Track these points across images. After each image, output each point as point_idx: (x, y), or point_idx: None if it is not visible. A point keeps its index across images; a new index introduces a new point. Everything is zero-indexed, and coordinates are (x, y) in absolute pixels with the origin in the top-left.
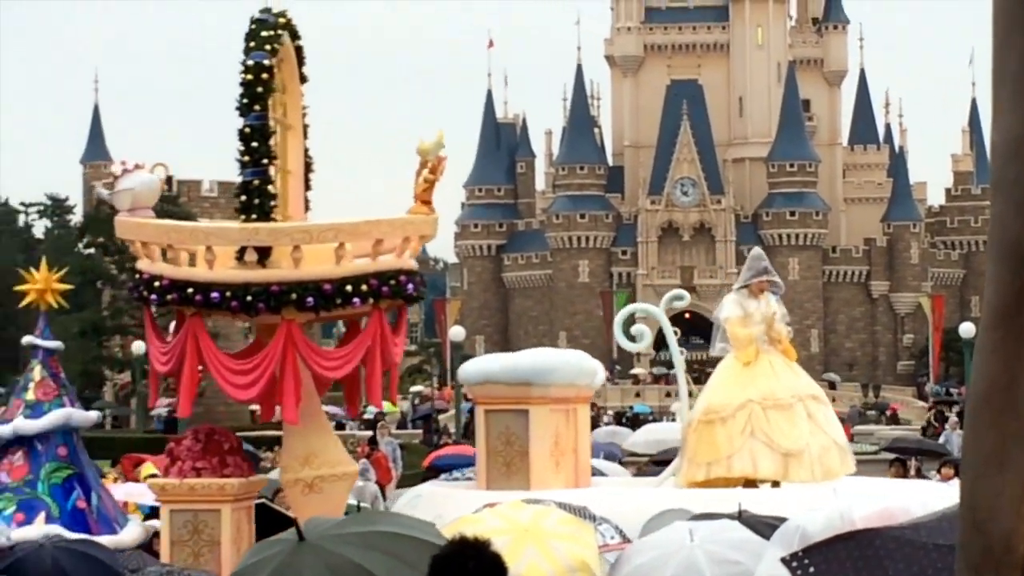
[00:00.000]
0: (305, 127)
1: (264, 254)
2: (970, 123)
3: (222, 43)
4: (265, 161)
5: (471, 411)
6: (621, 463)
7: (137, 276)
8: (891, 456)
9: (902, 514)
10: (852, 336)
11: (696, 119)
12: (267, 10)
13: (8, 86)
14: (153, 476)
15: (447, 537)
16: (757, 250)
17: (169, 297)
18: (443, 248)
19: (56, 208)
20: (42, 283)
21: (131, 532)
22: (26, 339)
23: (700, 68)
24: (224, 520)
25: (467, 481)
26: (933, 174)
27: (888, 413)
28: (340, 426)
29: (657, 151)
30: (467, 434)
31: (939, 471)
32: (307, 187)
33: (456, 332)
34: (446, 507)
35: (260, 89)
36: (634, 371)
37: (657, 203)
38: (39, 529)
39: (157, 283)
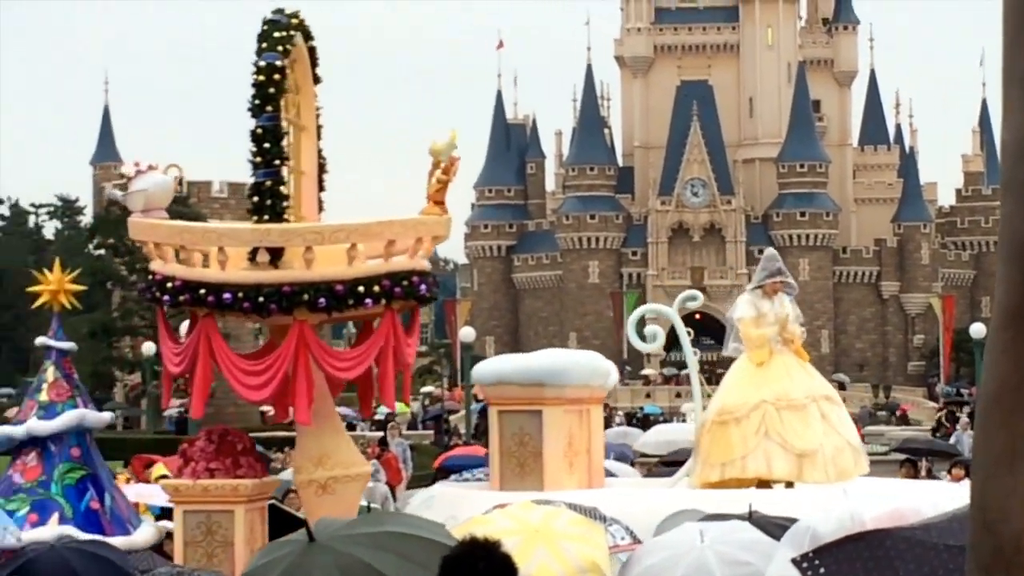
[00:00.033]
0: (319, 128)
1: (276, 255)
2: (980, 123)
3: (232, 44)
4: (277, 162)
5: (481, 412)
6: (633, 464)
7: (150, 277)
8: (902, 457)
9: (913, 515)
10: (862, 337)
11: (706, 120)
12: (280, 11)
13: (18, 87)
14: (164, 477)
15: (457, 538)
16: (771, 251)
17: (182, 298)
18: (453, 249)
19: (66, 209)
20: (55, 284)
21: (144, 533)
22: (39, 340)
23: (710, 69)
24: (237, 521)
25: (478, 481)
26: (943, 174)
27: (898, 414)
28: (351, 427)
29: (667, 152)
30: (477, 435)
31: (949, 472)
32: (321, 188)
33: (466, 333)
34: (460, 508)
35: (272, 90)
36: (644, 372)
37: (667, 204)
38: (53, 530)
39: (170, 284)
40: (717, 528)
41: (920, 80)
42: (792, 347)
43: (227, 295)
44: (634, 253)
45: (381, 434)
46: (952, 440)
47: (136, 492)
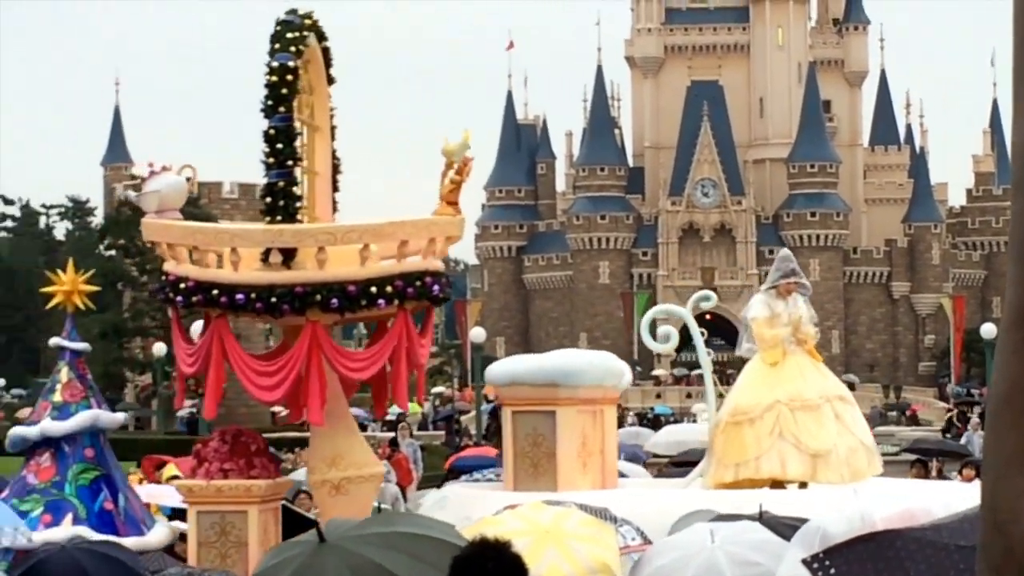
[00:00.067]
0: (333, 128)
1: (289, 256)
2: (991, 124)
3: (243, 44)
4: (290, 163)
5: (491, 412)
6: (645, 465)
7: (163, 277)
8: (912, 457)
9: (923, 515)
10: (873, 337)
11: (716, 120)
12: (293, 11)
13: (29, 87)
14: (175, 478)
15: (467, 538)
16: (785, 251)
17: (195, 299)
18: (463, 249)
19: (77, 210)
20: (69, 285)
21: (158, 533)
22: (53, 341)
23: (720, 69)
24: (251, 521)
25: (488, 482)
26: (954, 175)
27: (907, 414)
28: (362, 427)
29: (677, 152)
30: (488, 435)
31: (960, 472)
32: (335, 189)
33: (476, 333)
34: (473, 508)
35: (285, 90)
36: (655, 372)
37: (677, 204)
38: (67, 530)
39: (183, 284)
40: (727, 528)
41: (931, 80)
42: (805, 347)
43: (240, 296)
44: (644, 254)
45: (392, 435)
46: (963, 440)
47: (147, 492)
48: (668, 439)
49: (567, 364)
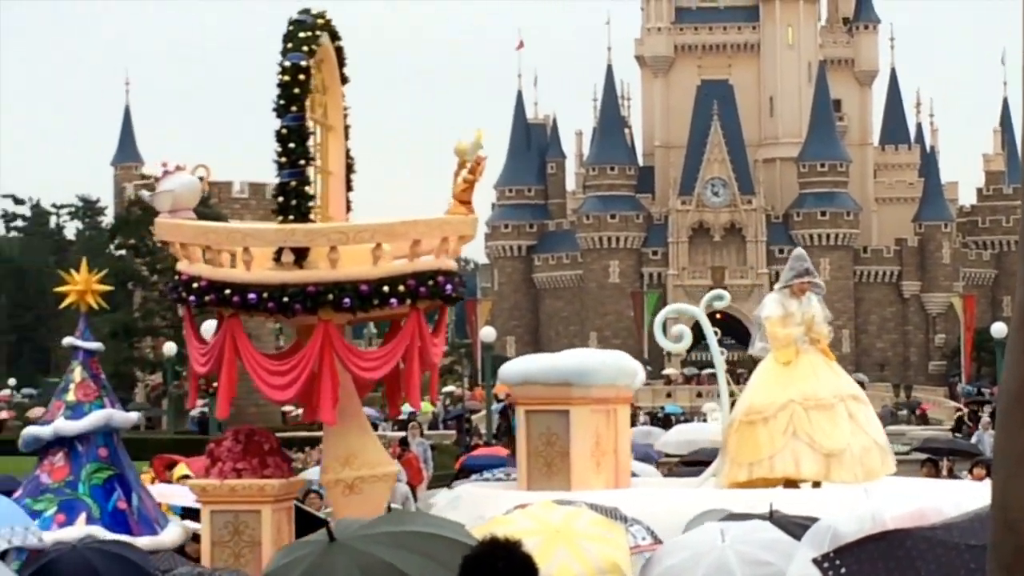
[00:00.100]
0: (346, 128)
1: (301, 255)
2: (1001, 123)
3: (253, 44)
4: (302, 162)
5: (501, 412)
6: (657, 464)
7: (176, 277)
8: (923, 456)
9: (934, 514)
10: (883, 336)
11: (727, 119)
12: (306, 11)
13: (39, 87)
14: (186, 477)
15: (478, 538)
16: (799, 251)
17: (207, 298)
18: (473, 249)
19: (87, 210)
20: (83, 284)
21: (171, 533)
22: (67, 340)
23: (731, 68)
24: (264, 521)
25: (497, 481)
26: (964, 174)
27: (917, 413)
28: (372, 427)
29: (687, 151)
30: (498, 435)
31: (971, 471)
32: (349, 188)
33: (487, 333)
34: (487, 508)
35: (297, 90)
36: (666, 371)
37: (688, 203)
38: (80, 530)
39: (195, 284)
40: (738, 528)
41: (941, 79)
42: (819, 347)
43: (252, 295)
44: (654, 253)
45: (402, 434)
46: (973, 439)
47: (158, 492)
48: (678, 438)
49: (581, 363)
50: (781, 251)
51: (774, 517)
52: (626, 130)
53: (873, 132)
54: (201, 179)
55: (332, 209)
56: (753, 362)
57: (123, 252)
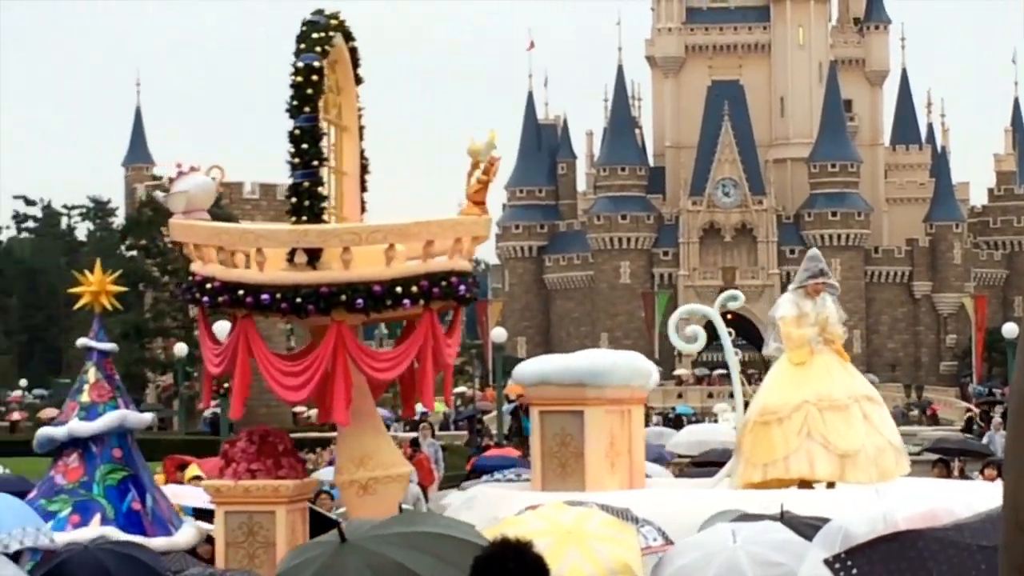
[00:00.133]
0: (361, 129)
1: (314, 256)
2: (1013, 123)
3: (266, 45)
4: (315, 163)
5: (512, 413)
6: (668, 465)
7: (190, 278)
8: (934, 457)
9: (946, 515)
10: (895, 337)
11: (737, 119)
12: (319, 12)
13: (50, 88)
14: (197, 478)
15: (489, 538)
16: (814, 251)
17: (220, 299)
18: (484, 250)
19: (98, 211)
20: (97, 285)
21: (186, 534)
22: (81, 341)
23: (741, 68)
24: (279, 521)
25: (508, 482)
26: (975, 174)
27: (928, 413)
28: None
29: (698, 152)
30: (509, 436)
31: (982, 472)
32: (363, 188)
33: (498, 333)
34: (501, 508)
35: (310, 91)
36: (677, 372)
37: (698, 204)
38: (95, 531)
39: (209, 285)
40: (749, 528)
41: (952, 79)
42: (833, 347)
43: (265, 296)
44: (665, 253)
45: (413, 435)
46: (984, 440)
47: (170, 493)
48: (689, 439)
49: (595, 364)
50: (792, 251)
51: (785, 518)
52: (637, 130)
53: (884, 132)
54: (216, 180)
55: (346, 210)
56: (764, 362)
57: (134, 253)
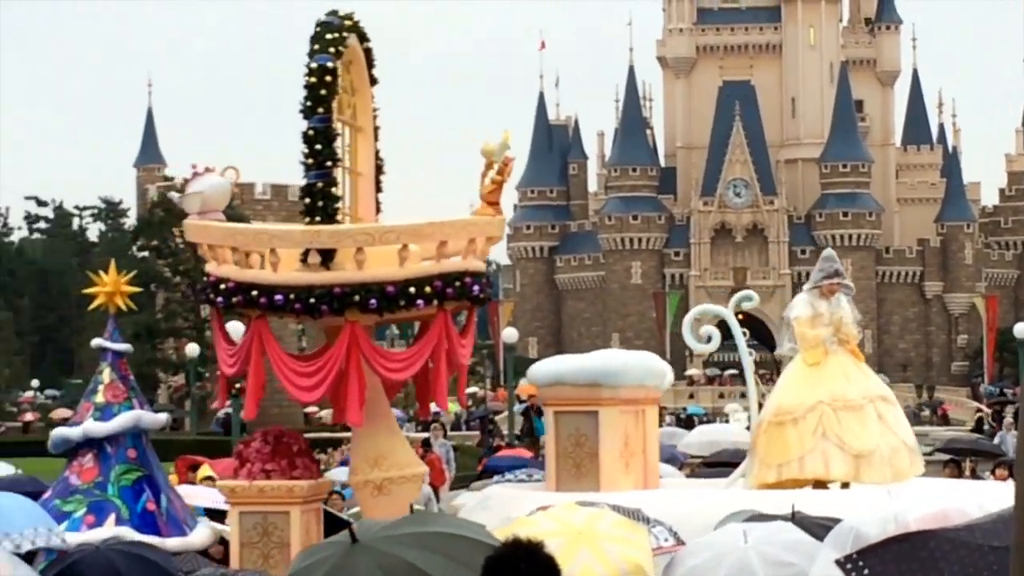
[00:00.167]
0: (376, 129)
1: (328, 256)
2: None
3: (278, 46)
4: (329, 164)
5: (524, 413)
6: (681, 466)
7: (205, 278)
8: (945, 457)
9: (957, 515)
10: (906, 337)
11: (748, 120)
12: (333, 13)
13: (62, 89)
14: (209, 478)
15: (500, 539)
16: (829, 251)
17: (234, 300)
18: (495, 250)
19: (110, 211)
20: (112, 286)
21: (201, 534)
22: (95, 341)
23: (752, 69)
24: (293, 522)
25: (520, 482)
26: (987, 174)
27: (939, 413)
28: None
29: (709, 152)
30: (521, 436)
31: (994, 472)
32: (378, 189)
33: (509, 334)
34: (516, 509)
35: (324, 91)
36: (688, 372)
37: (710, 204)
38: (110, 531)
39: (223, 286)
40: (761, 529)
41: (963, 79)
42: (848, 347)
43: (279, 297)
44: (676, 254)
45: (425, 435)
46: (996, 440)
47: (181, 493)
48: (701, 439)
49: (610, 364)
50: (803, 252)
51: (796, 518)
52: (648, 131)
53: (895, 132)
54: (230, 181)
55: (361, 210)
56: (775, 362)
57: (146, 254)
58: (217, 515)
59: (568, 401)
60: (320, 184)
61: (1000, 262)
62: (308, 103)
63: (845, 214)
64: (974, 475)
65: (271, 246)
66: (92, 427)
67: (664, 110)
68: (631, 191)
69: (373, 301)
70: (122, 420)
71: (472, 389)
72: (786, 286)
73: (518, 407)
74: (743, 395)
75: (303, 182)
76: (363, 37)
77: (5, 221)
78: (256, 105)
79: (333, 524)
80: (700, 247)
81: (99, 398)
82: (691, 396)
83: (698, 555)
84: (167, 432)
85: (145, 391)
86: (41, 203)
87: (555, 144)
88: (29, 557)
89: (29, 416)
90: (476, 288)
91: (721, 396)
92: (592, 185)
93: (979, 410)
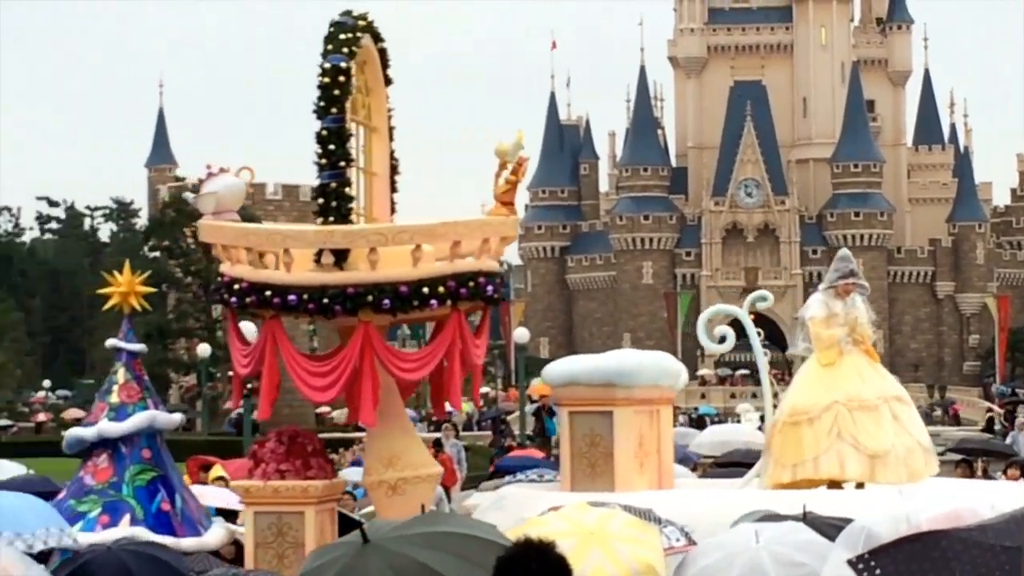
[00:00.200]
0: (391, 129)
1: (341, 256)
2: None
3: (282, 46)
4: (342, 164)
5: (535, 413)
6: (695, 467)
7: (219, 279)
8: (957, 457)
9: (969, 515)
10: (917, 337)
11: (760, 120)
12: (347, 13)
13: (73, 90)
14: (221, 479)
15: (512, 539)
16: (844, 251)
17: (248, 300)
18: (507, 250)
19: (121, 212)
20: (126, 286)
21: (215, 534)
22: (110, 342)
23: (764, 69)
24: (308, 522)
25: (531, 483)
26: (998, 174)
27: (950, 413)
28: None
29: (721, 152)
30: (533, 437)
31: (1005, 472)
32: (393, 189)
33: (520, 334)
34: (530, 509)
35: (337, 92)
36: (700, 372)
37: (721, 204)
38: (124, 531)
39: (237, 286)
40: (772, 529)
41: (974, 79)
42: (862, 347)
43: (292, 297)
44: (688, 254)
45: (436, 435)
46: (1008, 440)
47: (194, 493)
48: (712, 439)
49: (624, 364)
50: (815, 252)
51: (808, 518)
52: (659, 131)
53: (906, 132)
54: (244, 181)
55: (376, 211)
56: (786, 362)
57: (157, 254)
58: (228, 516)
59: (583, 401)
60: (333, 184)
61: (1012, 262)
62: (321, 103)
63: (857, 214)
64: (986, 475)
65: (285, 246)
66: (106, 427)
67: (675, 110)
68: (642, 191)
69: (386, 301)
70: (137, 420)
71: (484, 389)
72: (797, 286)
73: (529, 407)
74: (755, 395)
75: (316, 182)
76: (377, 37)
77: (17, 222)
78: (267, 106)
79: (345, 524)
80: (711, 247)
81: (113, 398)
82: (703, 396)
83: (710, 555)
84: (179, 432)
85: (156, 391)
86: (53, 203)
87: (566, 144)
88: (43, 557)
89: (41, 416)
90: (490, 288)
91: (733, 396)
92: (603, 185)
93: (990, 410)
